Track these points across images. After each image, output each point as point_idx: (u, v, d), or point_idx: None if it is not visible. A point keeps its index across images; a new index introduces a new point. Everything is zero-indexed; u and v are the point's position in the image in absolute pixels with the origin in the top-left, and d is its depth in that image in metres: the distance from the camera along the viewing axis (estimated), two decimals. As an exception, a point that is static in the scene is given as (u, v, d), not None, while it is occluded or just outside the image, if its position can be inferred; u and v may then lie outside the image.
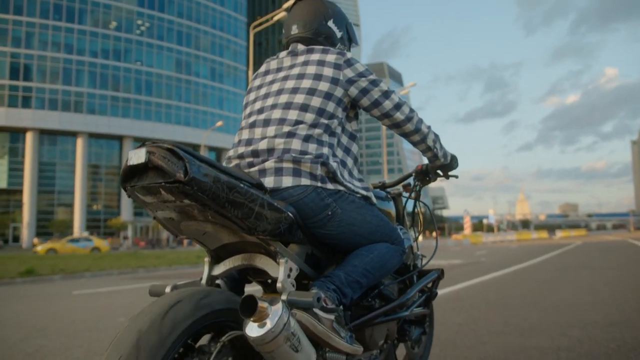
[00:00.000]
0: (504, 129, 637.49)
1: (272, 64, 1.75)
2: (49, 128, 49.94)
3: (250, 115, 1.65)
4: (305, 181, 1.44)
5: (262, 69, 1.78)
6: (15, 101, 49.07)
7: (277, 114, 1.55)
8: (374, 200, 1.67)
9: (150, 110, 54.87)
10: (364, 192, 1.60)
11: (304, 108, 1.54)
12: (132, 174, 1.15)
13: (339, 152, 1.59)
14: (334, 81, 1.59)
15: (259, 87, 1.72)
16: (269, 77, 1.71)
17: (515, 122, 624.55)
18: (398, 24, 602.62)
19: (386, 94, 1.64)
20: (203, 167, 1.11)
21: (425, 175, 2.15)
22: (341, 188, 1.51)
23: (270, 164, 1.45)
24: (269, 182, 1.42)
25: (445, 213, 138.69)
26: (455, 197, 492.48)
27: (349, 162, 1.63)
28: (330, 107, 1.57)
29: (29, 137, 49.61)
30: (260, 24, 21.30)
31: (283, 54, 1.74)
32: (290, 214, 1.33)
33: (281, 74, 1.68)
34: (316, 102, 1.55)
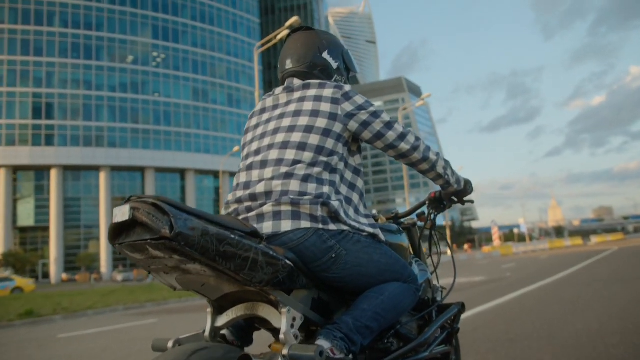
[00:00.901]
0: (530, 136, 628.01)
1: (268, 101, 1.68)
2: (72, 164, 50.71)
3: (247, 156, 1.59)
4: (305, 224, 1.39)
5: (258, 107, 1.71)
6: (39, 139, 50.05)
7: (274, 154, 1.50)
8: (382, 237, 1.58)
9: (169, 140, 55.33)
10: (370, 230, 1.53)
11: (302, 147, 1.48)
12: (120, 230, 1.13)
13: (343, 189, 1.53)
14: (332, 116, 1.53)
15: (256, 126, 1.65)
16: (265, 116, 1.64)
17: (541, 128, 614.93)
18: (415, 38, 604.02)
19: (389, 125, 1.57)
20: (190, 221, 1.08)
21: (439, 202, 2.04)
22: (345, 228, 1.46)
23: (268, 207, 1.40)
24: (267, 227, 1.38)
25: (474, 224, 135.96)
26: (484, 208, 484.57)
27: (355, 198, 1.57)
28: (330, 143, 1.51)
29: (54, 174, 50.40)
30: (264, 44, 20.97)
31: (279, 90, 1.67)
32: (288, 262, 1.28)
33: (277, 112, 1.61)
34: (314, 139, 1.49)
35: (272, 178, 1.44)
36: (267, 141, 1.55)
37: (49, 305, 12.63)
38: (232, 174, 57.79)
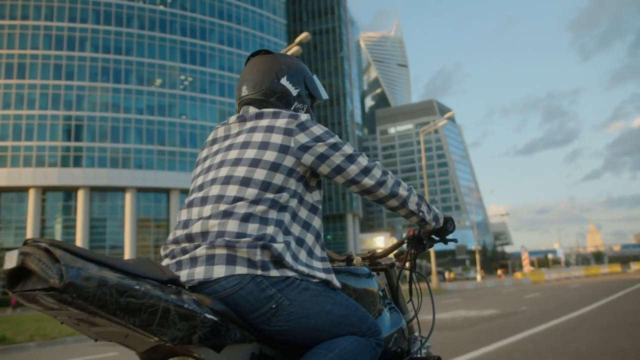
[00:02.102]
0: (567, 158, 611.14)
1: (220, 131, 1.56)
2: (99, 185, 51.27)
3: (192, 192, 1.48)
4: (240, 269, 1.25)
5: (210, 136, 1.59)
6: (68, 161, 50.89)
7: (215, 190, 1.37)
8: (337, 283, 1.42)
9: (195, 162, 55.44)
10: (322, 276, 1.37)
11: (245, 182, 1.36)
12: (19, 276, 1.00)
13: (295, 229, 1.39)
14: (283, 149, 1.40)
15: (205, 158, 1.53)
16: (215, 147, 1.53)
17: (579, 151, 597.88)
18: (449, 61, 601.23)
19: (350, 158, 1.44)
20: (86, 269, 0.96)
21: (419, 241, 1.82)
22: (290, 274, 1.30)
23: (201, 250, 1.27)
24: (199, 272, 1.25)
25: (508, 249, 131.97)
26: (519, 232, 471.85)
27: (309, 239, 1.42)
28: (278, 178, 1.38)
29: (80, 194, 51.02)
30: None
31: (232, 119, 1.55)
32: (210, 315, 1.14)
33: (226, 143, 1.49)
34: (260, 174, 1.37)
35: (210, 217, 1.31)
36: (211, 175, 1.42)
37: (32, 330, 12.07)
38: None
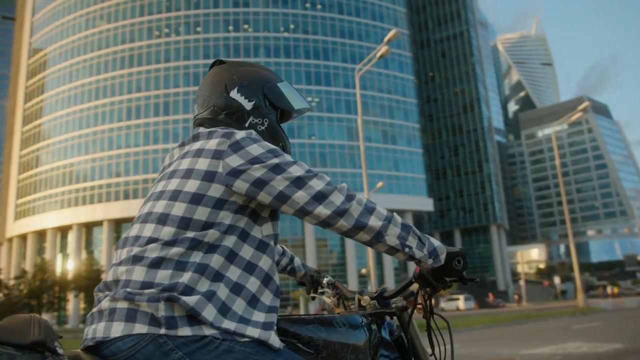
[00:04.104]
0: None
1: (167, 158, 1.37)
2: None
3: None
4: (140, 328, 1.07)
5: (165, 162, 1.40)
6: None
7: (134, 230, 1.21)
8: (277, 343, 1.15)
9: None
10: (254, 334, 1.12)
11: (162, 220, 1.17)
12: None
13: (233, 273, 1.16)
14: (208, 176, 1.18)
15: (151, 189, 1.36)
16: (158, 177, 1.32)
17: None
18: (602, 54, 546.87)
19: (298, 182, 1.17)
20: None
21: (427, 281, 1.42)
22: (208, 332, 1.08)
23: (105, 303, 1.12)
24: (100, 330, 1.09)
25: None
26: None
27: (252, 284, 1.18)
28: (202, 213, 1.16)
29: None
30: (366, 64, 19.33)
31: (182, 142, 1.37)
32: None
33: (164, 172, 1.30)
34: (178, 209, 1.16)
35: (120, 263, 1.15)
36: (142, 210, 1.25)
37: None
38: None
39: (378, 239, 1.20)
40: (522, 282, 56.09)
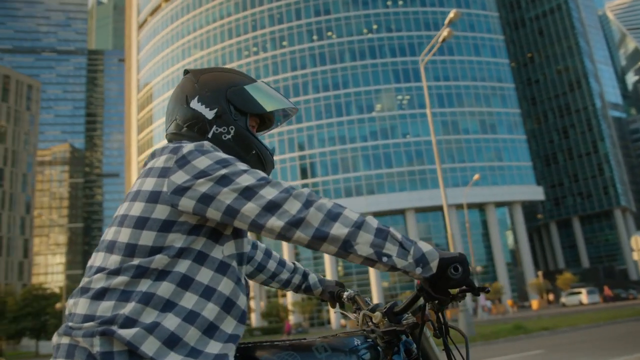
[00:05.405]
0: None
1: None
2: (338, 215, 54.11)
3: None
4: None
5: None
6: (308, 197, 55.24)
7: (91, 259, 1.15)
8: None
9: (424, 178, 54.62)
10: None
11: (109, 248, 1.11)
12: None
13: (188, 300, 1.07)
14: (152, 198, 1.10)
15: None
16: None
17: None
18: None
19: (247, 193, 1.06)
20: None
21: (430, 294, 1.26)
22: None
23: (55, 337, 1.07)
24: None
25: None
26: None
27: (210, 311, 1.08)
28: (147, 238, 1.08)
29: (323, 226, 54.66)
30: (429, 51, 18.46)
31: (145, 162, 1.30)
32: None
33: (127, 195, 1.23)
34: (124, 236, 1.10)
35: (72, 295, 1.09)
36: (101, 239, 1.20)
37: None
38: (501, 204, 53.28)
39: (347, 250, 1.03)
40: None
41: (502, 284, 48.87)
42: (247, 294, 1.18)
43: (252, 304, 51.33)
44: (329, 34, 58.29)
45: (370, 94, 56.98)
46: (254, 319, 53.49)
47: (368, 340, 1.30)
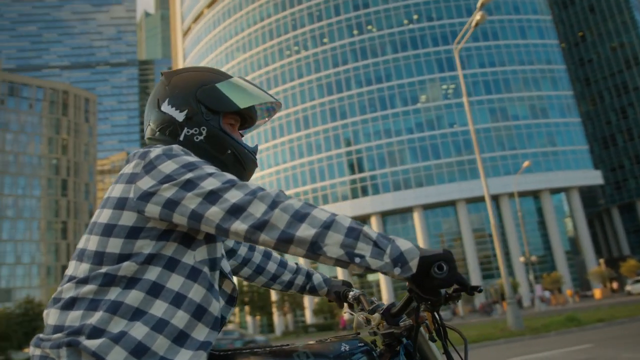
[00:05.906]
0: None
1: None
2: (387, 209, 53.86)
3: None
4: None
5: None
6: (357, 192, 55.20)
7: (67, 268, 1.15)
8: None
9: (474, 168, 53.30)
10: None
11: (80, 256, 1.10)
12: None
13: (157, 308, 1.04)
14: (120, 204, 1.09)
15: None
16: None
17: None
18: None
19: (211, 197, 1.02)
20: None
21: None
22: None
23: (30, 349, 1.08)
24: None
25: None
26: None
27: (180, 319, 1.05)
28: (114, 245, 1.06)
29: (373, 221, 54.40)
30: (463, 36, 18.02)
31: None
32: None
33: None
34: (92, 244, 1.08)
35: (47, 306, 1.08)
36: None
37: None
38: (556, 190, 51.44)
39: (315, 252, 0.98)
40: None
41: (561, 273, 47.13)
42: (233, 299, 1.19)
43: (306, 301, 51.77)
44: (369, 27, 57.89)
45: (413, 85, 56.20)
46: (308, 316, 53.99)
47: (360, 345, 1.26)
